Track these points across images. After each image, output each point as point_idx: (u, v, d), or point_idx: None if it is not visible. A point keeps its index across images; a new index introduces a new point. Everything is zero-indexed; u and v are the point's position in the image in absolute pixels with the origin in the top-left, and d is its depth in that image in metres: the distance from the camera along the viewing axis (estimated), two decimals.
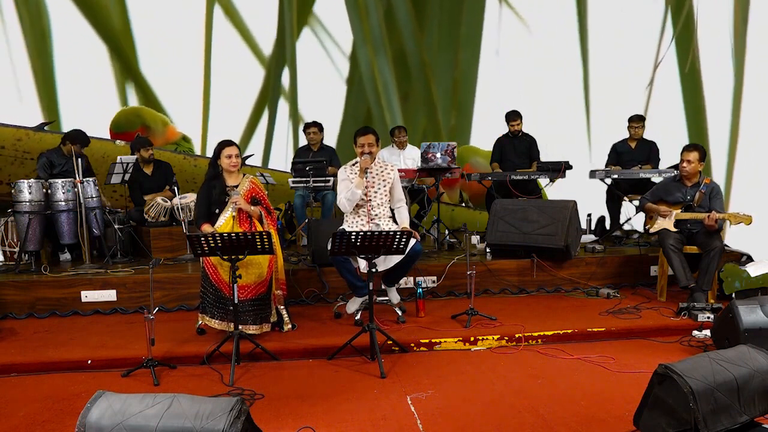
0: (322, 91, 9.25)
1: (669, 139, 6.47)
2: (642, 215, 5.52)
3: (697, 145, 5.03)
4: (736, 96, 9.13)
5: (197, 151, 9.11)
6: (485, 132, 8.63)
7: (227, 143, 4.43)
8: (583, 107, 9.26)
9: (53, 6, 8.79)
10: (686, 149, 5.01)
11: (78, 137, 5.89)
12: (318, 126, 6.74)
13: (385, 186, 4.59)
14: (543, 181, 6.76)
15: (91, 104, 8.83)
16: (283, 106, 9.40)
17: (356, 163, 4.57)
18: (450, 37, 9.30)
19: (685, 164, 4.98)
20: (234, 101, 9.34)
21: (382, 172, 4.61)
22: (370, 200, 4.54)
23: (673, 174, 5.40)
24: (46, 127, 7.49)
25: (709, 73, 9.00)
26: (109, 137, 8.25)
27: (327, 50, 9.35)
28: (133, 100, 9.13)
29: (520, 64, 9.23)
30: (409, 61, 9.29)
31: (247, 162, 8.06)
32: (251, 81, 9.39)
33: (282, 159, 9.32)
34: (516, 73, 9.18)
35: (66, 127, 8.67)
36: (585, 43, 9.27)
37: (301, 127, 7.11)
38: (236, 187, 4.39)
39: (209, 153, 6.58)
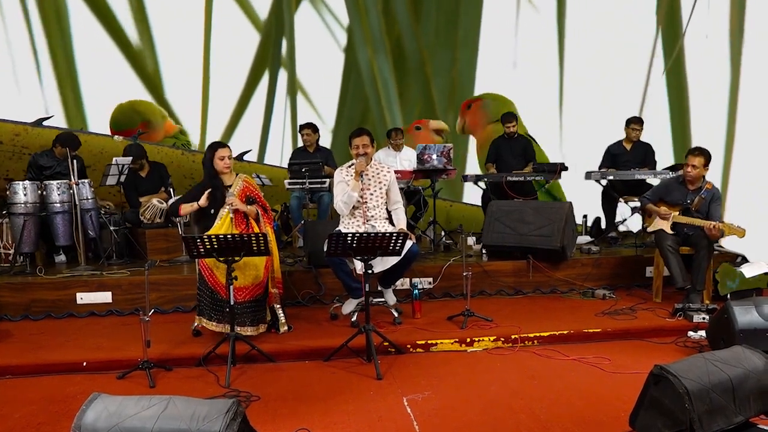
0: (321, 87, 9.26)
1: (659, 141, 6.50)
2: (637, 217, 5.52)
3: (703, 149, 4.92)
4: (732, 98, 9.15)
5: (195, 144, 9.07)
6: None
7: (220, 145, 4.43)
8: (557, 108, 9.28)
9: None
10: (691, 153, 4.92)
11: (68, 140, 5.83)
12: (312, 127, 6.74)
13: (381, 188, 4.60)
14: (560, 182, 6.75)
15: (95, 97, 8.81)
16: (280, 102, 9.41)
17: (352, 164, 4.58)
18: (448, 35, 9.29)
19: (690, 169, 4.92)
20: (233, 97, 9.34)
21: (378, 173, 4.62)
22: (366, 202, 4.55)
23: (670, 174, 5.39)
24: (44, 123, 7.45)
25: (705, 75, 9.03)
26: (106, 132, 8.18)
27: (326, 23, 9.33)
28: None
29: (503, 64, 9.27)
30: (406, 59, 9.28)
31: (245, 158, 8.04)
32: (247, 72, 9.39)
33: (278, 151, 9.29)
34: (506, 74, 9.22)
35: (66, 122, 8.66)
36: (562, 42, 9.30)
37: (298, 127, 7.10)
38: (229, 187, 4.38)
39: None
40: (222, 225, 4.29)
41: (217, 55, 9.16)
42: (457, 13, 9.25)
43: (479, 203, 7.36)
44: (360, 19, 9.08)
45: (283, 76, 9.31)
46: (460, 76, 9.35)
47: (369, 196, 4.56)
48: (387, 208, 4.71)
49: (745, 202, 8.05)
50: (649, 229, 5.18)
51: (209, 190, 4.36)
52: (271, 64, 9.33)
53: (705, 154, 4.91)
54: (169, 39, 8.90)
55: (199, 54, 9.06)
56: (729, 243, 5.97)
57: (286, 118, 9.33)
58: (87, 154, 6.32)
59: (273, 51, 9.28)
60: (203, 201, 4.35)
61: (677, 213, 5.00)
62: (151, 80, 9.13)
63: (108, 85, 8.90)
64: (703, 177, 4.98)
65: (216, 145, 4.43)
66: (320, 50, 9.32)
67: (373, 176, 4.59)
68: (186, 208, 4.37)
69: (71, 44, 8.84)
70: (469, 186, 8.07)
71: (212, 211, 4.37)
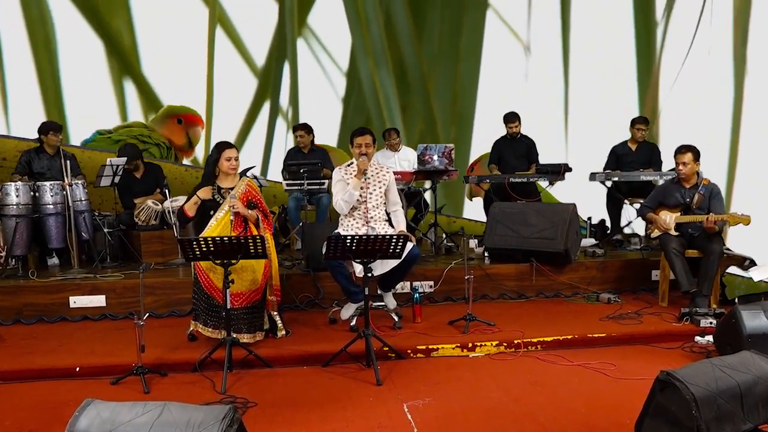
0: (322, 101, 9.30)
1: (671, 142, 6.53)
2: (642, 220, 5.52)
3: (690, 145, 5.00)
4: (737, 94, 9.19)
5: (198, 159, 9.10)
6: (485, 145, 8.63)
7: (228, 145, 4.43)
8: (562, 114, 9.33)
9: (57, 12, 8.76)
10: (679, 151, 4.99)
11: (49, 125, 5.89)
12: (306, 128, 6.73)
13: (380, 188, 4.61)
14: (542, 184, 6.76)
15: (93, 114, 8.84)
16: (283, 117, 9.45)
17: (352, 163, 4.59)
18: (450, 48, 9.35)
19: (681, 167, 4.96)
20: (236, 114, 9.36)
21: (377, 173, 4.63)
22: (365, 201, 4.56)
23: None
24: None
25: (709, 72, 9.07)
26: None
27: (321, 62, 9.42)
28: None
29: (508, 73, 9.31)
30: (408, 73, 9.34)
31: (248, 173, 8.05)
32: (251, 92, 9.44)
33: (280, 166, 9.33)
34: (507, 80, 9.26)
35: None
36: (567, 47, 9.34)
37: (292, 128, 7.12)
38: (231, 189, 4.38)
39: None
40: (218, 226, 4.27)
41: (219, 75, 9.17)
42: (459, 25, 9.29)
43: (482, 219, 7.38)
44: (361, 31, 9.12)
45: (285, 91, 9.37)
46: (462, 89, 9.39)
47: (369, 196, 4.57)
48: (386, 210, 4.71)
49: (751, 203, 8.06)
50: (653, 236, 5.18)
51: (212, 186, 4.36)
52: (273, 82, 9.35)
53: (692, 150, 4.97)
54: (165, 47, 8.90)
55: (202, 70, 9.07)
56: (739, 245, 5.95)
57: (288, 134, 9.37)
58: (90, 170, 6.32)
59: (275, 71, 9.29)
60: (203, 193, 4.32)
61: (678, 214, 5.01)
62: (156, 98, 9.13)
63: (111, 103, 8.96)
64: (697, 173, 5.03)
65: (223, 145, 4.42)
66: (323, 67, 9.42)
67: (372, 176, 4.60)
68: (190, 207, 4.36)
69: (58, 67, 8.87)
70: (473, 201, 8.16)
71: (211, 212, 4.37)
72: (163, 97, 8.98)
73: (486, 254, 5.92)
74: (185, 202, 4.46)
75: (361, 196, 4.53)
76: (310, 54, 9.32)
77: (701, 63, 8.96)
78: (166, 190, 6.19)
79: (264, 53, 9.31)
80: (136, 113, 9.02)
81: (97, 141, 8.14)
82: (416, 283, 5.27)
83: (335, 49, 9.40)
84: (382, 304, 4.80)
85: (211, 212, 4.36)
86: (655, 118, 9.23)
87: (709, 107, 9.07)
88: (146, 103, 9.03)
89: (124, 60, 8.90)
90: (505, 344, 4.33)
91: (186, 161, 8.75)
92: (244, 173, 7.90)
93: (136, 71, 8.95)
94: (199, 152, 8.99)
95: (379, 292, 4.76)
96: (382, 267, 4.38)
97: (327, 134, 8.42)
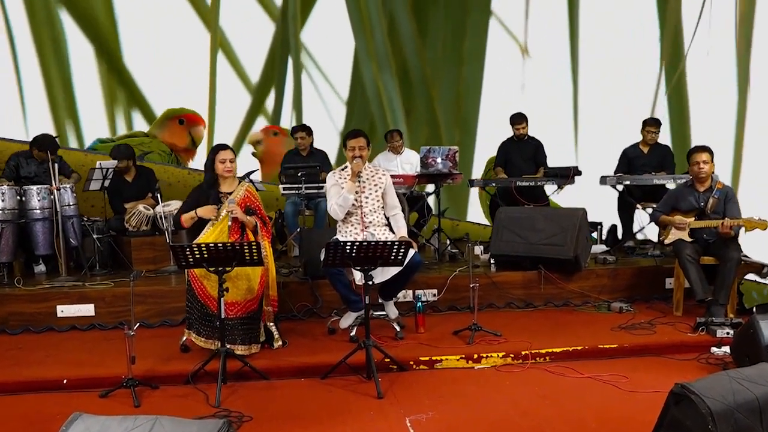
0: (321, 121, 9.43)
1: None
2: (655, 225, 5.52)
3: (705, 145, 5.02)
4: (741, 94, 9.24)
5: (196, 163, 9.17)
6: (489, 148, 8.66)
7: (221, 147, 4.45)
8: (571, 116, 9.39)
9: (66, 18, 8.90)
10: (696, 151, 5.00)
11: (45, 143, 5.78)
12: (306, 130, 6.74)
13: (377, 191, 4.61)
14: (550, 188, 6.76)
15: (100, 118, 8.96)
16: (286, 119, 9.54)
17: (346, 167, 4.60)
18: (453, 52, 9.50)
19: (701, 165, 4.96)
20: (234, 120, 9.44)
21: (373, 176, 4.64)
22: (361, 206, 4.56)
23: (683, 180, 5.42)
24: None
25: (712, 72, 9.11)
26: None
27: (314, 79, 9.55)
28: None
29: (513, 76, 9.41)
30: (412, 77, 9.47)
31: (250, 177, 8.08)
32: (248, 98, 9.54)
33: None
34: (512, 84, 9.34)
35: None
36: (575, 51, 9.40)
37: (291, 130, 7.13)
38: (230, 194, 4.38)
39: None
40: (213, 232, 4.28)
41: (219, 82, 9.23)
42: (463, 28, 9.41)
43: (486, 222, 7.38)
44: (365, 35, 9.22)
45: (288, 91, 9.44)
46: (465, 92, 9.50)
47: (364, 200, 4.57)
48: (385, 214, 4.71)
49: (755, 209, 8.12)
50: (667, 242, 5.17)
51: (215, 206, 4.36)
52: (277, 84, 9.41)
53: (708, 150, 5.00)
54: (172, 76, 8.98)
55: (202, 83, 9.12)
56: (757, 251, 5.95)
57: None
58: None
59: (278, 69, 9.36)
60: (204, 212, 4.34)
61: (693, 219, 5.00)
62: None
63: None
64: (711, 176, 5.04)
65: (218, 148, 4.45)
66: (327, 69, 9.53)
67: (367, 179, 4.61)
68: (186, 220, 4.38)
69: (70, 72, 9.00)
70: (475, 205, 8.11)
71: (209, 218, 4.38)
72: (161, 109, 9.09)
73: (492, 261, 5.91)
74: (182, 209, 4.47)
75: (356, 200, 4.53)
76: (305, 70, 9.47)
77: (702, 64, 9.03)
78: (158, 195, 6.19)
79: (262, 61, 9.45)
80: (138, 123, 9.19)
81: (98, 149, 8.24)
82: (419, 292, 5.27)
83: (331, 61, 9.54)
84: (383, 313, 4.80)
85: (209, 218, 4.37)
86: (686, 119, 9.27)
87: (711, 108, 9.13)
88: (144, 115, 9.15)
89: (122, 75, 9.03)
90: (512, 355, 4.32)
91: (191, 163, 8.81)
92: (244, 178, 7.95)
93: (133, 86, 9.10)
94: (200, 158, 9.07)
95: (379, 300, 4.75)
96: (383, 275, 4.38)
97: (328, 141, 8.51)
